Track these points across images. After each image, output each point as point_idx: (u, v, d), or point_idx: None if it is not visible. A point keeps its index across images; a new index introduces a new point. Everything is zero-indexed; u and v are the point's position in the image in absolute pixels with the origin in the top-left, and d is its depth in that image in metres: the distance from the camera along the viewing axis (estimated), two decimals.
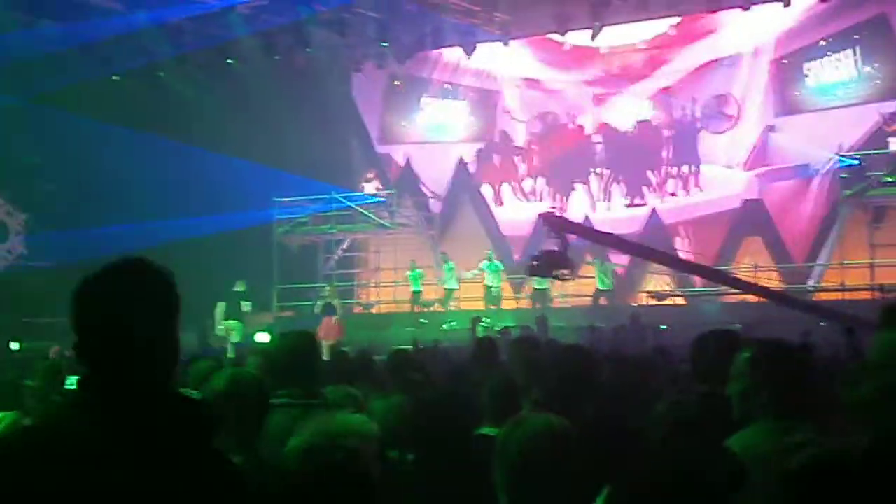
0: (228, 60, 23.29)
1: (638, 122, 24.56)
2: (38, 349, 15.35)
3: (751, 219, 22.55)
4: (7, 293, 19.95)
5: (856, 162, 20.42)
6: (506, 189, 25.78)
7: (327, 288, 22.30)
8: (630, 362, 6.88)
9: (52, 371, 6.23)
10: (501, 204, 25.69)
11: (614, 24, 22.53)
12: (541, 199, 24.97)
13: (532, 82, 25.41)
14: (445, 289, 22.94)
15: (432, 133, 26.52)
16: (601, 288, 21.85)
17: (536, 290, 22.05)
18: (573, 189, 24.90)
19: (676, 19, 23.32)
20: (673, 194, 23.99)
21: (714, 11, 22.18)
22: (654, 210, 23.99)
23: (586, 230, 12.04)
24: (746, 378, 3.38)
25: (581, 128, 25.22)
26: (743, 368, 3.43)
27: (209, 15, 21.57)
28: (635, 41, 24.17)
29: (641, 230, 23.30)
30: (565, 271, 11.25)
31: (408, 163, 26.31)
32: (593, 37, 22.83)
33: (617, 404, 5.03)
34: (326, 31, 23.20)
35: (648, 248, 15.07)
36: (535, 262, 11.56)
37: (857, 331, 7.44)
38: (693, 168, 23.75)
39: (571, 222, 11.44)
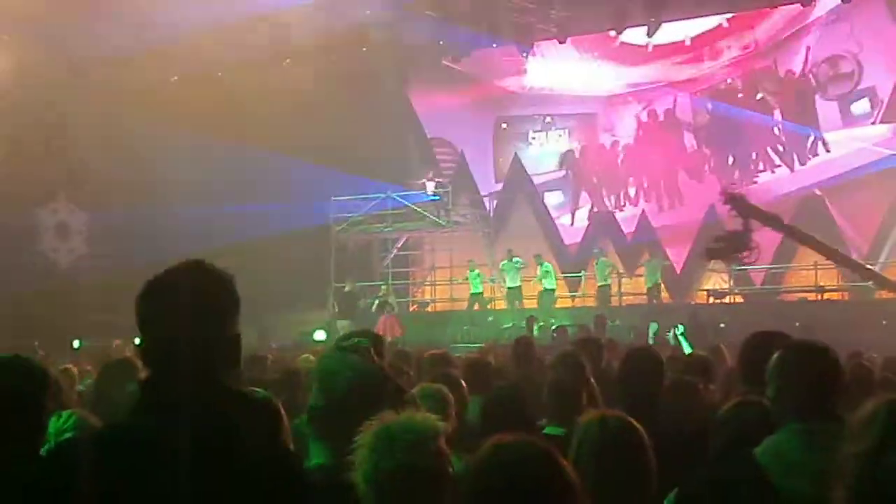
0: (287, 60, 23.43)
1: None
2: (98, 348, 15.59)
3: None
4: (69, 291, 20.29)
5: None
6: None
7: (383, 286, 22.38)
8: (689, 365, 6.84)
9: (114, 369, 6.29)
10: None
11: (671, 20, 22.32)
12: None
13: (622, 96, 25.08)
14: (508, 287, 22.72)
15: (544, 163, 26.24)
16: (648, 286, 21.72)
17: (601, 287, 21.95)
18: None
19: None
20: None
21: (773, 7, 21.88)
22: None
23: (767, 216, 11.13)
24: (775, 380, 3.33)
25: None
26: (772, 370, 3.39)
27: (267, 14, 21.74)
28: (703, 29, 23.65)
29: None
30: (747, 253, 10.60)
31: (462, 160, 26.27)
32: (650, 33, 22.64)
33: (677, 408, 5.01)
34: (382, 29, 23.28)
35: (833, 249, 13.81)
36: (715, 245, 10.91)
37: None
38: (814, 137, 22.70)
39: (753, 205, 10.70)
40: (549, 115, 25.78)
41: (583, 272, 23.74)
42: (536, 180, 25.74)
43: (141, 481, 2.15)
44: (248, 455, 2.22)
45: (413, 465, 2.64)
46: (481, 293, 23.04)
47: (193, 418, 2.20)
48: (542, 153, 25.95)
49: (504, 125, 26.25)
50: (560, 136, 25.85)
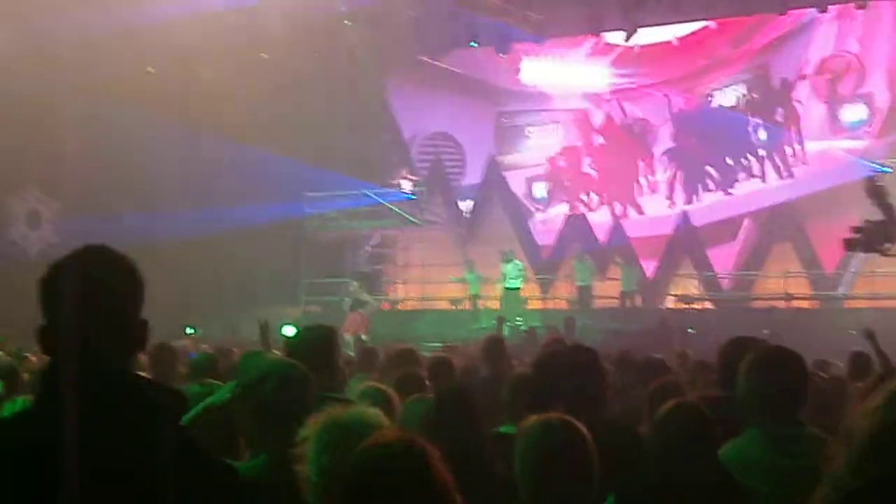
0: (263, 55, 23.34)
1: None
2: None
3: None
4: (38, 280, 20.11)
5: (890, 170, 20.12)
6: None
7: (355, 283, 22.36)
8: (638, 366, 6.84)
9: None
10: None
11: (647, 26, 22.39)
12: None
13: (615, 93, 24.93)
14: (506, 287, 22.49)
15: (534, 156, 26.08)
16: (625, 290, 21.78)
17: (582, 286, 21.98)
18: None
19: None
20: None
21: (751, 15, 21.95)
22: None
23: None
24: (743, 383, 3.35)
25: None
26: (742, 374, 3.41)
27: (246, 8, 21.69)
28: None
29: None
30: (888, 245, 10.07)
31: (438, 160, 26.25)
32: (627, 38, 22.73)
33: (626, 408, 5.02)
34: (362, 26, 23.27)
35: None
36: (856, 235, 10.36)
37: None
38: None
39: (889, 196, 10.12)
40: (542, 109, 25.66)
41: (555, 274, 23.80)
42: (527, 172, 25.66)
43: (36, 474, 2.09)
44: (150, 441, 2.17)
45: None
46: (478, 295, 22.78)
47: (95, 407, 2.15)
48: (535, 146, 25.85)
49: (504, 119, 26.10)
50: (553, 130, 25.76)
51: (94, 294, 2.25)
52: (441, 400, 4.49)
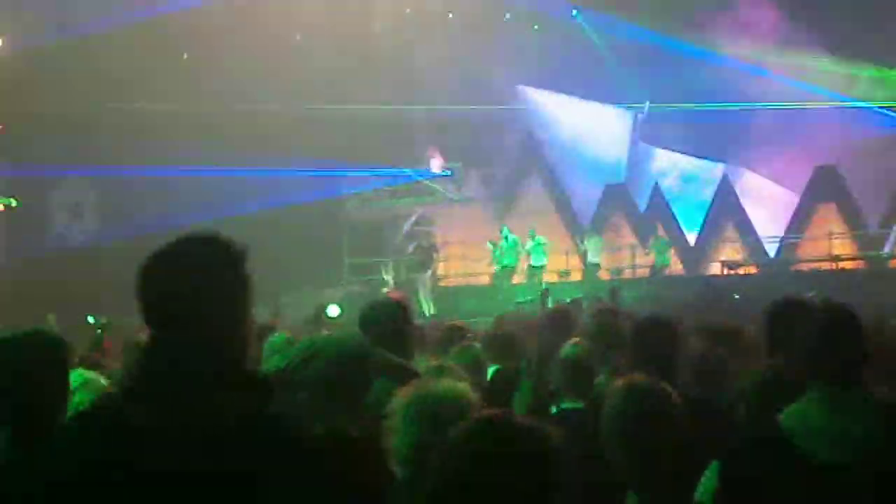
0: (297, 37, 23.33)
1: None
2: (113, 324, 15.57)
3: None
4: (84, 269, 20.31)
5: None
6: None
7: (390, 264, 22.45)
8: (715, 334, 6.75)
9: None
10: None
11: None
12: None
13: None
14: (531, 265, 22.54)
15: None
16: (658, 265, 21.69)
17: (592, 264, 21.94)
18: None
19: None
20: None
21: None
22: None
23: None
24: (800, 345, 3.29)
25: None
26: (798, 336, 3.35)
27: None
28: None
29: None
30: None
31: (475, 136, 26.11)
32: None
33: (701, 377, 4.97)
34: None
35: None
36: None
37: None
38: None
39: None
40: None
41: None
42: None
43: (131, 465, 2.00)
44: (250, 437, 2.07)
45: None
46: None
47: (196, 400, 2.06)
48: None
49: None
50: None
51: (201, 281, 2.14)
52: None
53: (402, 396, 2.94)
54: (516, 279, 22.27)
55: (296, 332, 7.09)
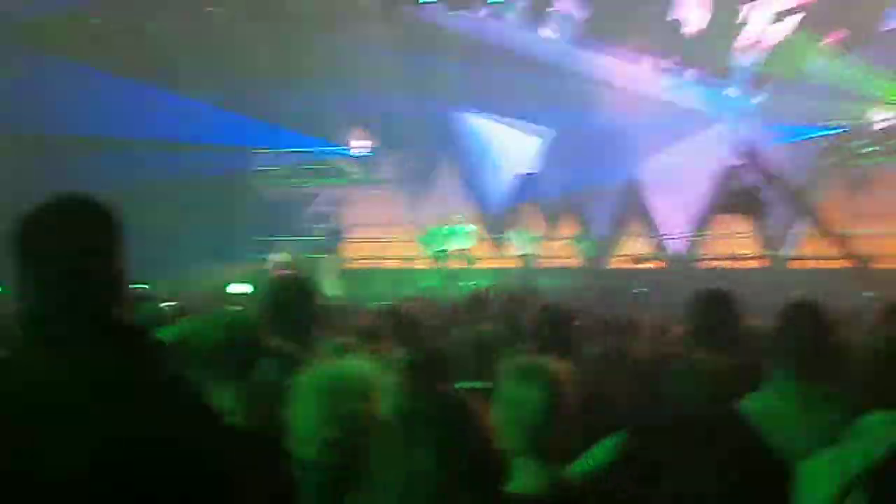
0: (209, 9, 22.96)
1: None
2: None
3: None
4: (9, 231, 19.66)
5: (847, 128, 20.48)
6: None
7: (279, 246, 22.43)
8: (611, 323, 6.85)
9: None
10: None
11: None
12: None
13: None
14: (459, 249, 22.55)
15: None
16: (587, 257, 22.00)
17: (523, 255, 22.12)
18: None
19: None
20: None
21: None
22: None
23: (774, 177, 11.02)
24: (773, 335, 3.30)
25: None
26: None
27: None
28: None
29: None
30: (760, 211, 10.38)
31: (390, 118, 25.99)
32: None
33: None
34: None
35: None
36: (728, 200, 10.64)
37: None
38: None
39: (765, 163, 10.58)
40: None
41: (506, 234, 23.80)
42: None
43: (28, 419, 2.01)
44: (143, 387, 2.10)
45: None
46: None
47: (85, 354, 2.09)
48: None
49: None
50: None
51: (78, 243, 2.20)
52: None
53: (303, 375, 2.92)
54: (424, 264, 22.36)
55: (196, 309, 6.97)
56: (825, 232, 14.63)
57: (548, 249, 22.77)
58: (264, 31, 23.20)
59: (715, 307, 4.50)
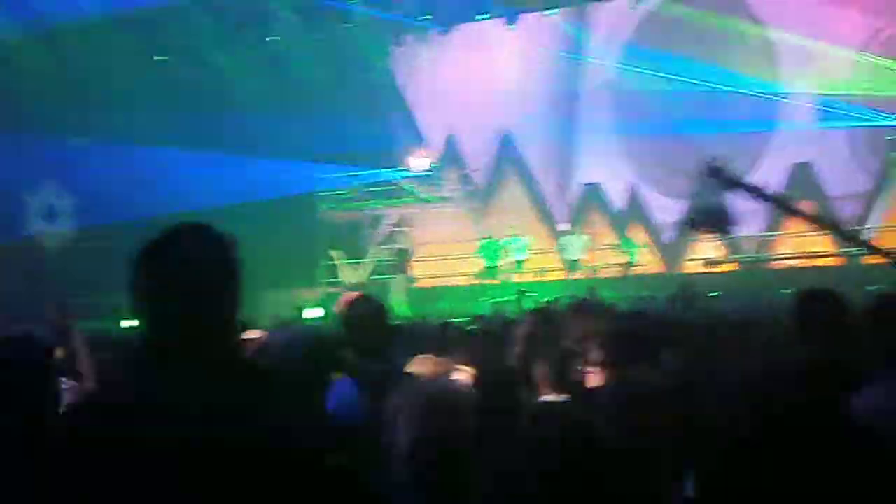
0: (270, 38, 23.30)
1: None
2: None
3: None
4: (58, 273, 20.12)
5: None
6: None
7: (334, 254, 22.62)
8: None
9: None
10: None
11: None
12: None
13: None
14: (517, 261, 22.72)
15: None
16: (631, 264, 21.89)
17: (571, 261, 22.13)
18: None
19: None
20: None
21: None
22: None
23: (752, 187, 11.06)
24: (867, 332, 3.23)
25: None
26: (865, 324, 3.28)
27: None
28: None
29: None
30: (727, 228, 10.42)
31: (451, 137, 26.10)
32: None
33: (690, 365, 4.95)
34: (366, 4, 23.18)
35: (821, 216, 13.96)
36: (696, 216, 10.72)
37: None
38: None
39: (737, 176, 10.64)
40: None
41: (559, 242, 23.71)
42: None
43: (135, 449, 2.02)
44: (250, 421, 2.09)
45: None
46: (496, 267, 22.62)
47: (199, 387, 2.09)
48: None
49: None
50: None
51: (198, 269, 2.19)
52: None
53: (398, 395, 2.91)
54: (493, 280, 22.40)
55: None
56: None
57: (601, 257, 22.68)
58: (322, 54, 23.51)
59: (821, 305, 4.44)
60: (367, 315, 4.37)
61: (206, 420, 2.04)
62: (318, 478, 2.14)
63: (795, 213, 13.32)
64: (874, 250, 14.56)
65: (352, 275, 23.11)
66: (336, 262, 23.43)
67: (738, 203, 10.90)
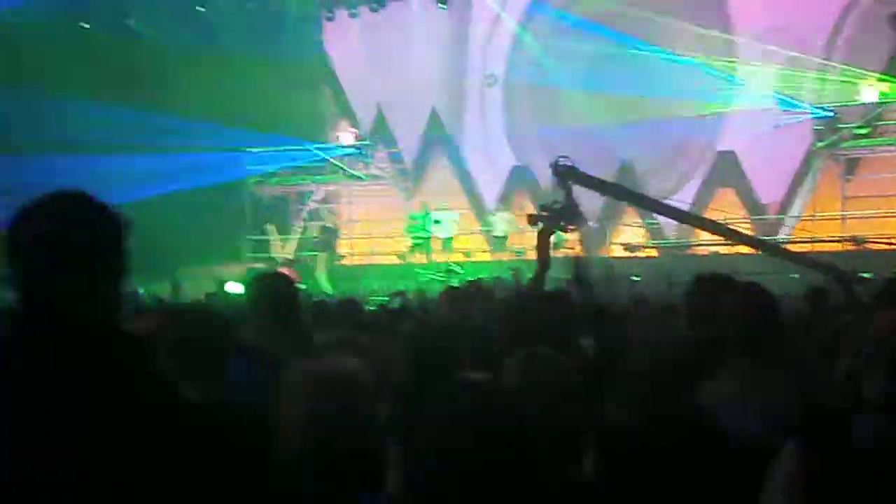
0: (199, 8, 22.98)
1: None
2: None
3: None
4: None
5: (829, 114, 20.51)
6: None
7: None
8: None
9: None
10: None
11: None
12: None
13: None
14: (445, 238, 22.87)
15: None
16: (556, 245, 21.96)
17: (496, 237, 22.31)
18: None
19: None
20: None
21: None
22: None
23: (599, 183, 11.45)
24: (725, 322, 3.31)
25: None
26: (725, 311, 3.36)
27: None
28: None
29: None
30: (572, 225, 10.71)
31: (380, 114, 26.02)
32: None
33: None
34: None
35: (665, 204, 14.55)
36: (540, 213, 11.01)
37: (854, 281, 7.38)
38: None
39: (583, 173, 10.91)
40: None
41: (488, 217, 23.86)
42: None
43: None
44: (127, 389, 2.05)
45: None
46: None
47: (67, 358, 2.04)
48: None
49: None
50: None
51: (77, 231, 2.12)
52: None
53: (289, 373, 2.89)
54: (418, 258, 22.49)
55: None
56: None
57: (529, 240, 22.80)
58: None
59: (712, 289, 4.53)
60: (272, 292, 4.36)
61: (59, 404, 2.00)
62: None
63: (646, 204, 13.90)
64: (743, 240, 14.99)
65: (283, 250, 22.99)
66: (270, 238, 23.26)
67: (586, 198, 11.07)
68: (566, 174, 10.44)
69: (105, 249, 2.16)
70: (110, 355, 2.09)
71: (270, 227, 23.68)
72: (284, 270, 20.22)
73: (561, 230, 10.98)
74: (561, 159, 10.20)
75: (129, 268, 2.21)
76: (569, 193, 10.09)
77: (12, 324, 2.12)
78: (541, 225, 9.74)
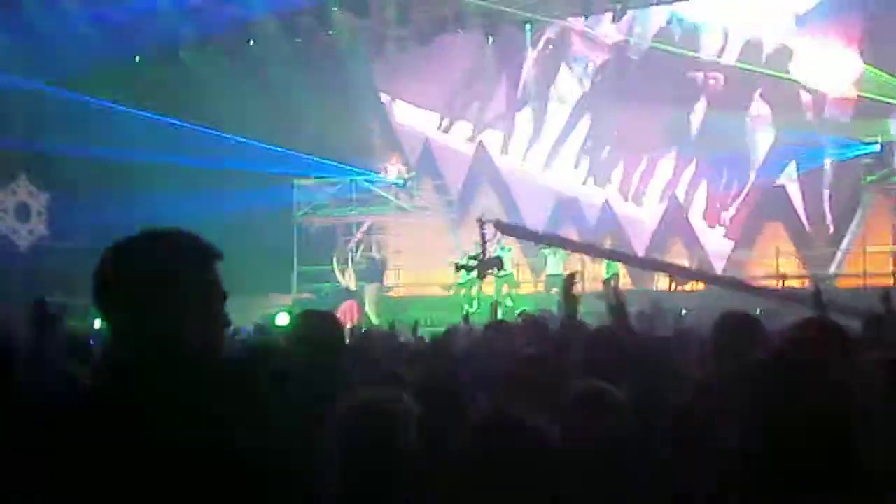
0: (249, 42, 23.33)
1: None
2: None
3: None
4: (29, 273, 20.04)
5: (877, 149, 20.33)
6: None
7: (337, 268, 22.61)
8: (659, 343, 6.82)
9: None
10: None
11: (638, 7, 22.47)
12: None
13: None
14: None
15: None
16: (606, 276, 21.72)
17: (549, 275, 22.03)
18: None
19: None
20: None
21: None
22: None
23: (527, 232, 12.84)
24: None
25: None
26: None
27: None
28: None
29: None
30: (493, 270, 11.99)
31: (427, 146, 26.18)
32: (616, 19, 22.74)
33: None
34: (348, 12, 23.21)
35: (594, 246, 15.51)
36: (466, 262, 12.35)
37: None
38: None
39: (507, 225, 12.28)
40: None
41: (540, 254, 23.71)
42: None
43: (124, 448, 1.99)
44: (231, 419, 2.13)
45: None
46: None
47: (177, 385, 2.07)
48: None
49: None
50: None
51: (175, 264, 2.16)
52: None
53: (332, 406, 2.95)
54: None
55: None
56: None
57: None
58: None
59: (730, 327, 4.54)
60: (317, 329, 4.44)
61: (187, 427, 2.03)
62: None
63: (577, 248, 14.49)
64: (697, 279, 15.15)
65: (346, 279, 23.12)
66: (335, 267, 23.40)
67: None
68: (501, 228, 11.47)
69: (207, 280, 2.22)
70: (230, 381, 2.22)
71: (334, 257, 23.72)
72: (349, 303, 20.46)
73: (482, 277, 12.18)
74: (484, 215, 11.80)
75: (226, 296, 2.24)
76: (484, 243, 11.12)
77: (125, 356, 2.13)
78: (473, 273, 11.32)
